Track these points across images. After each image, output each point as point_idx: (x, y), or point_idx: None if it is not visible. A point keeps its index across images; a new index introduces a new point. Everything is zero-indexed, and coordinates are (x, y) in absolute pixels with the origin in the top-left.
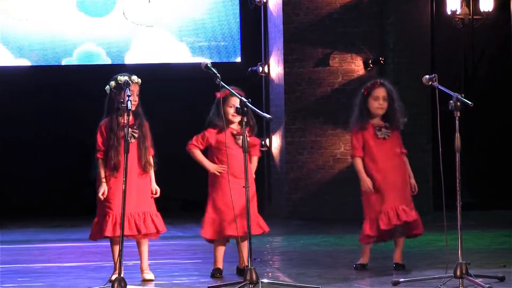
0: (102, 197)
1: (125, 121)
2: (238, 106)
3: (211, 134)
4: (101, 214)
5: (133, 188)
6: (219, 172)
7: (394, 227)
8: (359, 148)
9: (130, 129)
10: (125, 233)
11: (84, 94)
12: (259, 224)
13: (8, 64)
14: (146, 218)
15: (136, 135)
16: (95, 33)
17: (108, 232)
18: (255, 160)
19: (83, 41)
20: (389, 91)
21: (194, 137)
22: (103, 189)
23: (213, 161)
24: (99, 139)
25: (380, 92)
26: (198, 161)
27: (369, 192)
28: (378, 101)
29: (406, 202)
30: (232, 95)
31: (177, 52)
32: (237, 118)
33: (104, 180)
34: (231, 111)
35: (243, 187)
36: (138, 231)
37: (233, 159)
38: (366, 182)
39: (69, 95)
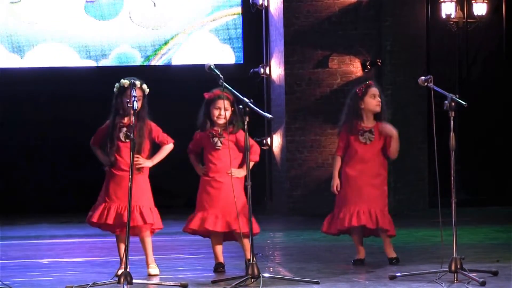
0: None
1: (131, 121)
2: (241, 106)
3: (197, 136)
4: (99, 201)
5: (125, 184)
6: (203, 174)
7: (351, 228)
8: (341, 147)
9: (125, 129)
10: (109, 222)
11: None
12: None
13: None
14: (134, 211)
15: (130, 136)
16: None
17: (95, 219)
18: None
19: (118, 44)
20: (380, 91)
21: (191, 142)
22: (112, 158)
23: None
24: (98, 133)
25: (376, 90)
26: (192, 165)
27: (338, 190)
28: (377, 98)
29: (372, 206)
30: (224, 95)
31: (220, 54)
32: (221, 121)
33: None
34: (216, 113)
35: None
36: (122, 223)
37: (210, 161)
38: (334, 182)
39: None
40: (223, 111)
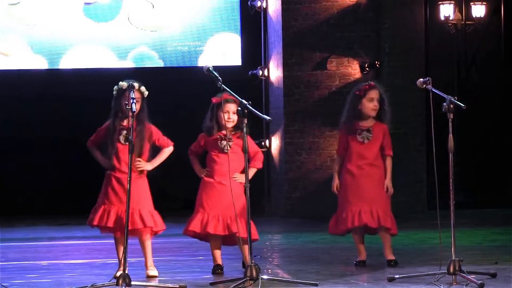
0: (116, 165)
1: (130, 123)
2: (239, 108)
3: (202, 139)
4: (99, 203)
5: (125, 187)
6: (204, 175)
7: (355, 227)
8: (340, 148)
9: (124, 132)
10: (109, 225)
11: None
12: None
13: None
14: (134, 214)
15: (131, 139)
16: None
17: (95, 222)
18: (251, 172)
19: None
20: (381, 93)
21: (193, 143)
22: (112, 162)
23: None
24: (97, 134)
25: (375, 94)
26: (192, 166)
27: (339, 190)
28: (373, 103)
29: (374, 205)
30: (231, 99)
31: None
32: (230, 124)
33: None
34: (225, 116)
35: (247, 187)
36: (122, 226)
37: (216, 164)
38: (334, 182)
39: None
40: (231, 114)
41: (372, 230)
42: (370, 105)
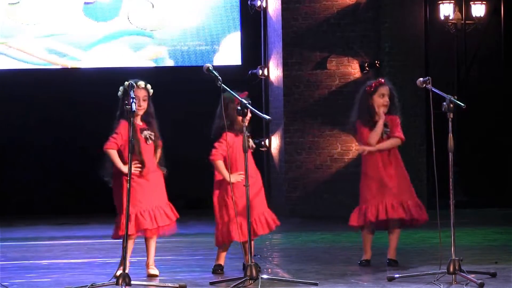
0: (139, 169)
1: (130, 123)
2: (239, 108)
3: (231, 138)
4: (129, 211)
5: (151, 185)
6: (237, 180)
7: (382, 221)
8: (364, 141)
9: (147, 132)
10: (147, 227)
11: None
12: (274, 220)
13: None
14: (161, 212)
15: (153, 137)
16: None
17: (133, 231)
18: None
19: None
20: (391, 89)
21: (218, 146)
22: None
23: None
24: (120, 136)
25: (385, 90)
26: (219, 172)
27: (367, 181)
28: (384, 98)
29: (402, 197)
30: (234, 96)
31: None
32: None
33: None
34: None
35: (244, 185)
36: (157, 224)
37: (246, 165)
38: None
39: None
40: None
41: (386, 224)
42: (381, 101)
